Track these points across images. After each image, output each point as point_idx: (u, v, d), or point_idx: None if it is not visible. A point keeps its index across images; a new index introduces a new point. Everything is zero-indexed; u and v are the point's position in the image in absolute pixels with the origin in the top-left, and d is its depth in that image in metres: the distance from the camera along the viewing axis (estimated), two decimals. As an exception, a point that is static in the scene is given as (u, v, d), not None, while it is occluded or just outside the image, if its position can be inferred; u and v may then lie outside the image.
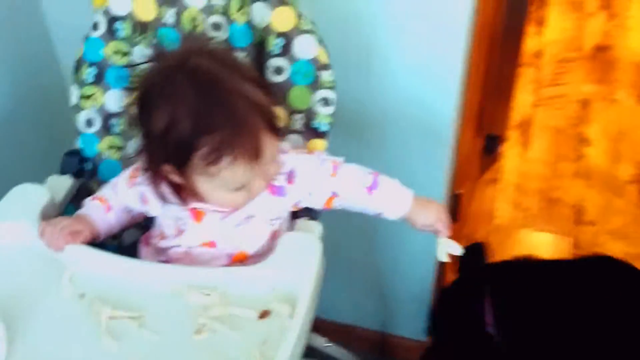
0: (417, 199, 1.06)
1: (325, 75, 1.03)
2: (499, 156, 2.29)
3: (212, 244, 1.00)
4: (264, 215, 1.01)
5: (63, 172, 1.12)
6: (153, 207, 1.02)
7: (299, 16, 1.01)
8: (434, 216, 1.05)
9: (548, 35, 2.75)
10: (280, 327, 0.91)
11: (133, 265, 0.99)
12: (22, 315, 0.92)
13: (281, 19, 1.02)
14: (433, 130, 1.36)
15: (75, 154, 1.13)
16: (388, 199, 1.04)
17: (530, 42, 2.67)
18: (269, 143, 0.91)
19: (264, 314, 0.93)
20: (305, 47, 1.02)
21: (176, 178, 0.94)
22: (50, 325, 0.92)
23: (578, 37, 2.74)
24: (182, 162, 0.91)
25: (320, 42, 1.03)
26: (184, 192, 0.97)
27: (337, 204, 1.04)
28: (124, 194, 1.05)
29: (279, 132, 0.93)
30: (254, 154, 0.89)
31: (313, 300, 0.93)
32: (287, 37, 1.02)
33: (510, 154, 2.31)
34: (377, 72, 1.28)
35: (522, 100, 2.47)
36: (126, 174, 1.07)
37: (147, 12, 1.06)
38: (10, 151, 1.36)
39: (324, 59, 1.03)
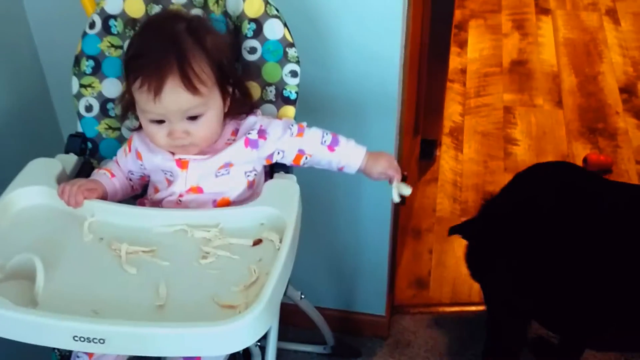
0: (370, 153, 1.25)
1: (291, 52, 1.25)
2: (435, 159, 2.54)
3: (199, 189, 1.18)
4: (240, 165, 1.19)
5: (67, 151, 1.29)
6: (146, 159, 1.20)
7: (267, 4, 1.23)
8: (386, 164, 1.25)
9: (470, 54, 3.06)
10: (272, 250, 1.09)
11: (142, 212, 1.16)
12: (53, 255, 1.07)
13: (252, 7, 1.23)
14: (379, 139, 1.57)
15: (77, 135, 1.30)
16: (347, 154, 1.24)
17: (454, 61, 2.97)
18: (176, 91, 1.09)
19: (257, 242, 1.12)
20: (273, 30, 1.24)
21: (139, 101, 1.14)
22: (77, 261, 1.08)
23: (497, 54, 3.06)
24: (129, 83, 1.13)
25: (285, 24, 1.24)
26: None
27: (304, 161, 1.24)
28: (124, 162, 1.24)
29: (194, 91, 1.10)
30: (156, 88, 1.08)
31: (297, 228, 1.12)
32: (258, 22, 1.23)
33: (446, 156, 2.56)
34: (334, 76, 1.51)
35: (452, 110, 2.74)
36: (121, 149, 1.26)
37: (136, 9, 1.26)
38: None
39: (289, 38, 1.24)
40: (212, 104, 1.14)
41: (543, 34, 3.17)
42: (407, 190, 1.26)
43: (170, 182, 1.19)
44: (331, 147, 1.23)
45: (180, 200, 1.19)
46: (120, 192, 1.24)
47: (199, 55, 1.11)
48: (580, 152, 2.53)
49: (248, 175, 1.20)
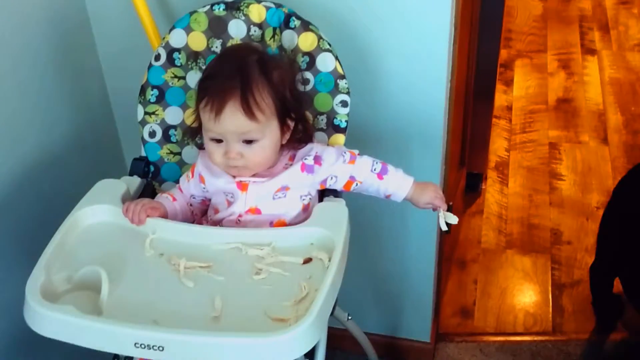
0: (417, 183, 1.32)
1: (342, 83, 1.32)
2: (481, 192, 2.58)
3: (257, 211, 1.26)
4: (296, 189, 1.26)
5: (131, 173, 1.38)
6: (209, 182, 1.28)
7: (320, 39, 1.31)
8: (433, 194, 1.32)
9: (515, 92, 3.10)
10: (321, 268, 1.15)
11: (200, 230, 1.24)
12: (117, 269, 1.15)
13: (306, 42, 1.31)
14: (424, 170, 1.62)
15: (141, 159, 1.40)
16: (395, 183, 1.31)
17: (500, 98, 3.02)
18: (235, 113, 1.17)
19: (307, 260, 1.18)
20: (325, 62, 1.31)
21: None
22: (139, 274, 1.16)
23: (542, 92, 3.10)
24: (198, 102, 1.22)
25: (337, 58, 1.32)
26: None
27: (354, 187, 1.31)
28: (187, 187, 1.32)
29: (252, 117, 1.18)
30: (217, 108, 1.17)
31: (345, 248, 1.18)
32: (311, 56, 1.32)
33: (491, 189, 2.59)
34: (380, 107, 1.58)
35: (498, 145, 2.78)
36: (183, 176, 1.35)
37: (198, 43, 1.36)
38: (67, 183, 1.61)
39: (340, 70, 1.32)
40: (269, 132, 1.22)
41: (589, 72, 3.20)
42: (453, 219, 1.31)
43: (230, 203, 1.27)
44: (380, 175, 1.30)
45: (239, 220, 1.26)
46: (180, 215, 1.32)
47: (262, 85, 1.20)
48: (626, 188, 2.53)
49: (303, 199, 1.27)
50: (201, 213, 1.37)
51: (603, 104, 3.00)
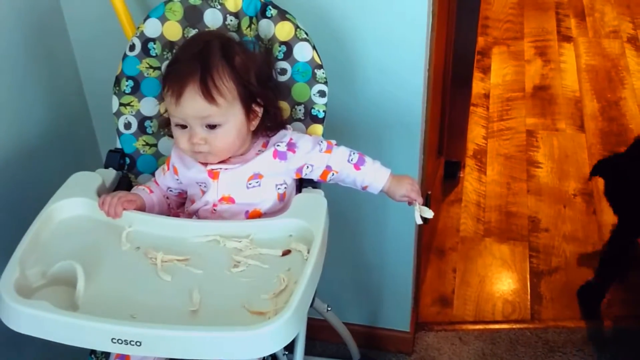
0: (394, 176, 1.32)
1: (320, 73, 1.31)
2: (459, 180, 2.58)
3: (230, 199, 1.24)
4: (270, 177, 1.25)
5: (107, 166, 1.36)
6: (181, 174, 1.27)
7: (297, 28, 1.30)
8: (409, 187, 1.31)
9: (493, 79, 3.11)
10: (300, 260, 1.14)
11: (177, 222, 1.22)
12: (93, 263, 1.13)
13: (282, 31, 1.30)
14: (403, 158, 1.62)
15: (116, 151, 1.37)
16: (372, 174, 1.30)
17: (478, 86, 3.02)
18: (194, 97, 1.17)
19: (286, 252, 1.17)
20: (302, 52, 1.30)
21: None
22: (115, 268, 1.14)
23: (519, 80, 3.11)
24: (162, 89, 1.21)
25: (314, 47, 1.30)
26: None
27: (330, 177, 1.30)
28: (162, 180, 1.31)
29: (211, 100, 1.17)
30: (178, 92, 1.17)
31: (324, 240, 1.18)
32: (288, 45, 1.30)
33: (469, 177, 2.60)
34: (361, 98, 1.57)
35: (476, 133, 2.79)
36: (159, 169, 1.34)
37: (174, 33, 1.33)
38: (41, 174, 1.59)
39: (317, 60, 1.31)
40: (232, 117, 1.20)
41: (565, 60, 3.22)
42: (428, 213, 1.31)
43: (203, 193, 1.25)
44: (357, 166, 1.29)
45: (214, 210, 1.25)
46: (157, 207, 1.31)
47: (222, 69, 1.19)
48: (603, 175, 2.55)
49: (278, 188, 1.26)
50: (177, 205, 1.35)
51: (579, 91, 3.02)
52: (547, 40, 3.36)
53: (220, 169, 1.24)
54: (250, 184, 1.24)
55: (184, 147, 1.23)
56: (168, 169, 1.30)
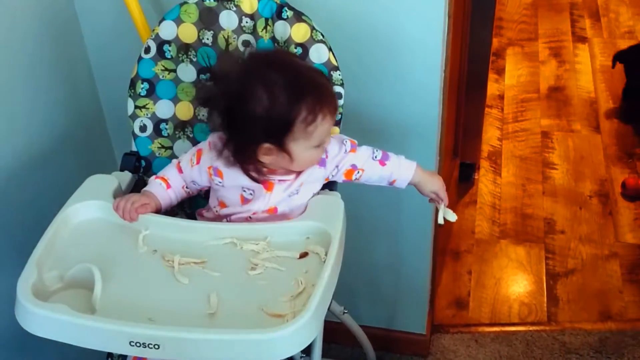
0: (422, 169, 1.32)
1: (336, 75, 1.30)
2: (474, 182, 2.57)
3: (274, 210, 1.24)
4: (310, 184, 1.24)
5: (122, 169, 1.36)
6: (229, 177, 1.23)
7: (313, 29, 1.29)
8: (439, 184, 1.32)
9: (507, 80, 3.09)
10: (318, 262, 1.14)
11: (193, 225, 1.22)
12: (110, 266, 1.13)
13: (298, 33, 1.29)
14: (419, 160, 1.60)
15: (132, 154, 1.37)
16: (398, 168, 1.30)
17: (492, 87, 3.01)
18: (332, 116, 1.18)
19: (303, 255, 1.16)
20: (319, 54, 1.29)
21: (267, 155, 1.17)
22: (132, 271, 1.14)
23: (534, 81, 3.09)
24: (283, 133, 1.14)
25: (330, 49, 1.30)
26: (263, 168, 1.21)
27: (355, 176, 1.29)
28: (189, 172, 1.27)
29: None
30: (335, 109, 1.18)
31: (342, 242, 1.17)
32: (304, 47, 1.29)
33: (484, 179, 2.58)
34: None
35: (491, 134, 2.77)
36: (187, 157, 1.29)
37: (189, 35, 1.33)
38: (57, 178, 1.59)
39: (333, 62, 1.30)
40: None
41: (580, 61, 3.19)
42: (452, 217, 1.32)
43: (246, 200, 1.24)
44: (382, 162, 1.29)
45: (250, 217, 1.24)
46: (175, 201, 1.29)
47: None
48: (618, 177, 2.53)
49: (312, 195, 1.26)
50: (198, 192, 1.34)
51: (595, 92, 2.99)
52: (562, 41, 3.34)
53: (275, 180, 1.23)
54: (292, 192, 1.24)
55: (315, 163, 1.23)
56: (198, 162, 1.26)
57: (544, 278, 2.19)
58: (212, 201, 1.30)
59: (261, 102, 1.13)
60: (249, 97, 1.13)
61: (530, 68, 3.18)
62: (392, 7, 1.42)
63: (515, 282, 2.20)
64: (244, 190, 1.24)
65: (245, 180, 1.22)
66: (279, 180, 1.22)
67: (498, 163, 2.66)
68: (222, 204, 1.27)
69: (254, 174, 1.21)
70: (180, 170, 1.29)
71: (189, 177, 1.28)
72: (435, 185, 1.32)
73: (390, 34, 1.46)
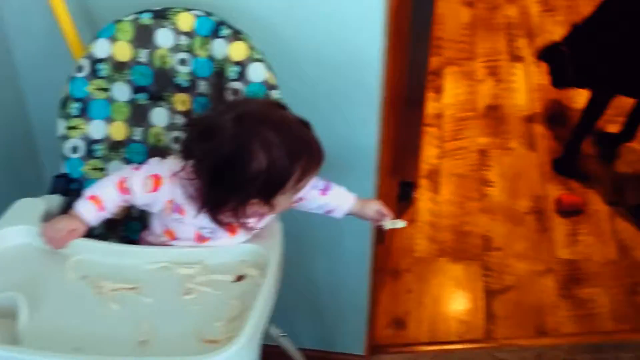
0: (360, 200, 1.37)
1: (274, 94, 1.29)
2: (413, 201, 2.59)
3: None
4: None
5: (52, 192, 1.31)
6: (189, 217, 1.19)
7: (251, 48, 1.28)
8: (378, 205, 1.37)
9: (445, 99, 3.13)
10: (254, 286, 1.12)
11: (125, 249, 1.19)
12: (37, 293, 1.09)
13: (236, 51, 1.28)
14: (358, 179, 1.62)
15: (62, 176, 1.33)
16: (339, 198, 1.34)
17: (431, 106, 3.04)
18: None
19: (239, 278, 1.15)
20: (257, 73, 1.28)
21: (249, 208, 1.15)
22: (61, 299, 1.10)
23: (472, 99, 3.14)
24: (276, 191, 1.13)
25: (269, 68, 1.29)
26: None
27: (298, 204, 1.29)
28: (142, 197, 1.20)
29: None
30: (321, 162, 1.18)
31: (279, 265, 1.16)
32: (242, 65, 1.28)
33: (423, 198, 2.61)
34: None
35: (429, 153, 2.80)
36: (137, 180, 1.20)
37: (124, 53, 1.30)
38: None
39: (272, 81, 1.29)
40: None
41: (516, 79, 3.26)
42: (402, 224, 1.39)
43: (202, 238, 1.21)
44: (323, 192, 1.31)
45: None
46: (107, 219, 1.25)
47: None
48: (553, 193, 2.59)
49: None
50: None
51: (530, 111, 3.06)
52: (499, 60, 3.41)
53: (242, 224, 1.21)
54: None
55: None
56: (155, 190, 1.19)
57: (482, 295, 2.22)
58: (157, 228, 1.25)
59: (259, 162, 1.10)
60: (246, 157, 1.10)
61: (468, 87, 3.23)
62: (331, 26, 1.42)
63: (454, 300, 2.22)
64: (203, 229, 1.21)
65: (207, 222, 1.19)
66: (245, 225, 1.20)
67: (436, 181, 2.69)
68: (171, 235, 1.23)
69: (223, 222, 1.18)
70: (124, 191, 1.21)
71: (141, 200, 1.21)
72: (374, 205, 1.37)
73: (329, 53, 1.46)
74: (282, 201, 1.17)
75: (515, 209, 2.56)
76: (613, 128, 2.82)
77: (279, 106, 1.21)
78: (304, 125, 1.18)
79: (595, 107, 2.61)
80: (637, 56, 2.36)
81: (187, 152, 1.16)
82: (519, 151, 2.84)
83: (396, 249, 2.37)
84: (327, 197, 1.31)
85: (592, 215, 2.51)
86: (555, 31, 3.58)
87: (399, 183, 2.49)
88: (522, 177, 2.70)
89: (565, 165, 2.70)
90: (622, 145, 2.79)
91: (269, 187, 1.13)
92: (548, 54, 2.75)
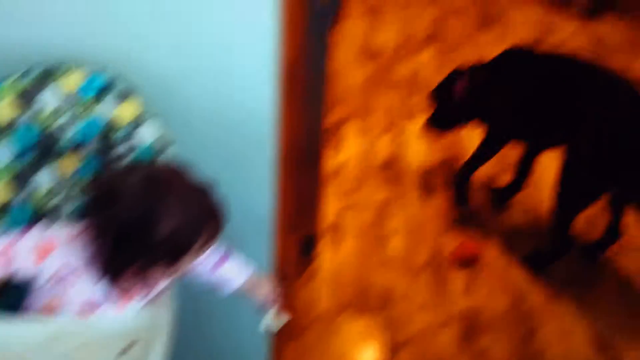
0: (254, 275, 1.36)
1: (168, 153, 1.28)
2: (315, 256, 2.59)
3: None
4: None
5: None
6: (81, 283, 1.14)
7: (142, 107, 1.26)
8: (268, 289, 1.36)
9: (344, 154, 3.18)
10: (144, 355, 1.08)
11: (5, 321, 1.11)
12: None
13: (126, 111, 1.25)
14: (254, 238, 1.62)
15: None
16: (232, 273, 1.33)
17: (330, 161, 3.08)
18: None
19: (127, 348, 1.10)
20: (148, 132, 1.26)
21: (151, 270, 1.12)
22: None
23: (370, 154, 3.20)
24: (181, 255, 1.11)
25: (161, 126, 1.27)
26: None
27: (191, 273, 1.26)
28: (24, 265, 1.14)
29: None
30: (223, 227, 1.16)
31: (168, 335, 1.12)
32: (133, 125, 1.26)
33: (325, 252, 2.61)
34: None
35: (330, 207, 2.82)
36: (24, 249, 1.13)
37: (7, 114, 1.25)
38: None
39: (165, 140, 1.27)
40: None
41: (412, 134, 3.35)
42: (284, 318, 1.36)
43: (93, 306, 1.15)
44: (217, 265, 1.31)
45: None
46: None
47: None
48: (450, 244, 2.65)
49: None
50: None
51: (426, 164, 3.14)
52: (395, 116, 3.50)
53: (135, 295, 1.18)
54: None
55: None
56: (41, 260, 1.13)
57: (384, 349, 2.22)
58: (35, 302, 1.17)
59: (166, 226, 1.09)
60: (154, 221, 1.08)
61: (366, 142, 3.30)
62: (225, 84, 1.42)
63: (358, 355, 2.21)
64: (94, 297, 1.15)
65: (101, 289, 1.14)
66: (144, 290, 1.16)
67: (338, 235, 2.71)
68: (57, 304, 1.15)
69: (123, 287, 1.14)
70: (6, 262, 1.13)
71: (25, 272, 1.14)
72: (264, 288, 1.36)
73: (223, 111, 1.46)
74: (184, 265, 1.15)
75: (415, 260, 2.60)
76: (504, 178, 2.93)
77: (183, 169, 1.19)
78: (207, 188, 1.18)
79: (489, 146, 2.72)
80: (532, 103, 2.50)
81: (87, 216, 1.13)
82: (417, 204, 2.90)
83: (298, 307, 2.35)
84: (220, 270, 1.31)
85: (487, 264, 2.58)
86: (447, 87, 3.73)
87: (299, 238, 2.49)
88: (421, 229, 2.76)
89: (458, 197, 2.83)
90: (514, 196, 2.89)
91: (174, 251, 1.11)
92: (440, 92, 2.85)
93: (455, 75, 2.75)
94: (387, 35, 4.21)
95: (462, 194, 2.83)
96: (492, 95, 2.62)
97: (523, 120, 2.56)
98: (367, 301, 2.41)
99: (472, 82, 2.66)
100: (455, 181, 2.85)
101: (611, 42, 4.20)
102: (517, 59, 2.61)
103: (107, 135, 1.25)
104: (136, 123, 1.26)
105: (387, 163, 3.15)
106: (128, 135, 1.25)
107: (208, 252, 1.23)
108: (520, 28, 4.25)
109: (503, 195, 2.91)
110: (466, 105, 2.71)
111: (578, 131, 2.33)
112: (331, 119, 3.41)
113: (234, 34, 1.36)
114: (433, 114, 2.90)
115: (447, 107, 2.83)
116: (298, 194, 2.32)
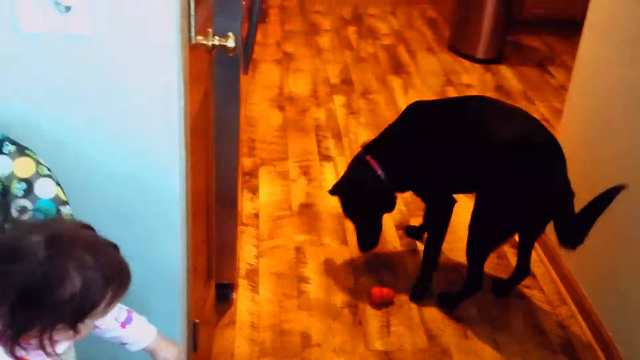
0: (162, 337, 1.35)
1: (65, 210, 1.26)
2: (232, 302, 2.58)
3: None
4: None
5: None
6: None
7: (38, 164, 1.25)
8: (174, 354, 1.35)
9: (261, 199, 3.20)
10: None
11: None
12: None
13: (22, 168, 1.24)
14: (166, 287, 1.60)
15: None
16: (137, 333, 1.32)
17: (247, 206, 3.09)
18: None
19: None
20: (45, 189, 1.25)
21: (54, 333, 1.08)
22: None
23: (287, 198, 3.23)
24: (85, 315, 1.08)
25: (58, 183, 1.26)
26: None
27: (95, 331, 1.24)
28: None
29: None
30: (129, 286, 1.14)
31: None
32: (29, 182, 1.24)
33: (242, 298, 2.60)
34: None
35: (247, 252, 2.83)
36: None
37: None
38: None
39: (62, 197, 1.26)
40: None
41: (326, 178, 3.41)
42: None
43: None
44: (123, 325, 1.30)
45: None
46: None
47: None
48: (367, 287, 2.68)
49: None
50: None
51: (340, 207, 3.19)
52: (310, 160, 3.55)
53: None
54: None
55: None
56: None
57: (303, 394, 2.22)
58: None
59: (72, 285, 1.06)
60: (59, 280, 1.06)
61: (282, 186, 3.33)
62: (124, 140, 1.42)
63: (276, 402, 2.20)
64: None
65: None
66: (46, 352, 1.12)
67: (255, 281, 2.71)
68: None
69: (24, 347, 1.10)
70: None
71: None
72: (170, 352, 1.35)
73: (125, 168, 1.45)
74: (89, 326, 1.13)
75: (332, 304, 2.62)
76: (416, 221, 2.99)
77: (88, 228, 1.18)
78: (113, 247, 1.16)
79: (439, 214, 2.65)
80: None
81: None
82: (333, 247, 2.94)
83: (215, 355, 2.33)
84: (125, 330, 1.30)
85: (401, 305, 2.62)
86: (359, 132, 3.82)
87: (216, 285, 2.47)
88: (337, 271, 2.79)
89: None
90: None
91: (80, 310, 1.09)
92: (339, 188, 2.76)
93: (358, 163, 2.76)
94: (302, 80, 4.30)
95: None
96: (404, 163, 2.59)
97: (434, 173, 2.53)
98: (285, 346, 2.41)
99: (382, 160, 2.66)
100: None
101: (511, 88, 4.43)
102: (415, 117, 2.61)
103: (7, 190, 1.24)
104: (33, 179, 1.24)
105: (303, 207, 3.18)
106: (25, 191, 1.24)
107: (113, 310, 1.22)
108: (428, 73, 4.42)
109: (416, 235, 2.98)
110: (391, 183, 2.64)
111: (486, 179, 2.40)
112: (249, 163, 3.43)
113: (137, 91, 1.37)
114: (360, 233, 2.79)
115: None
116: (212, 241, 2.32)
